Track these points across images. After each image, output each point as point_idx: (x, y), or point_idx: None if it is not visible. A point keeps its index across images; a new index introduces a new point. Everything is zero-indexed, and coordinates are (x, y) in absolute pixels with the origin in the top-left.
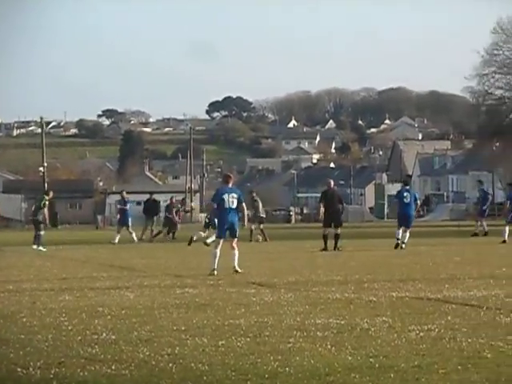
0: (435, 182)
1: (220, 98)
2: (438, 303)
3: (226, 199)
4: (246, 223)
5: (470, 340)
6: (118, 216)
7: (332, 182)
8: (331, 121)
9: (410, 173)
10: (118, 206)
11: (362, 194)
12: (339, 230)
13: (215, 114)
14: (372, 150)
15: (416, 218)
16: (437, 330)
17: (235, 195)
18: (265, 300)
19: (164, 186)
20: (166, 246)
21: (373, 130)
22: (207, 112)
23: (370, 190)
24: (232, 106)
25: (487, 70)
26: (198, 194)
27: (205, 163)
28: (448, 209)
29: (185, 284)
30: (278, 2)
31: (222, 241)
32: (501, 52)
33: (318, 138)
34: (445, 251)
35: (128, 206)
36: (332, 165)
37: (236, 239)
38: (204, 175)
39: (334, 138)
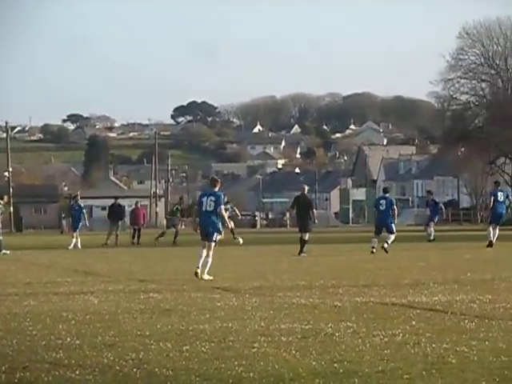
0: (400, 186)
1: (185, 103)
2: (402, 308)
3: (204, 202)
4: (228, 226)
5: (434, 345)
6: (70, 220)
7: (306, 188)
8: (296, 126)
9: (375, 177)
10: (72, 212)
11: (327, 199)
12: (307, 236)
13: (180, 119)
14: (337, 155)
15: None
16: (401, 335)
17: (213, 198)
18: (229, 305)
19: (129, 191)
20: (130, 251)
21: (338, 135)
22: (172, 117)
23: (335, 194)
24: (197, 110)
25: (452, 74)
26: (162, 199)
27: (170, 168)
28: (413, 214)
29: (149, 289)
30: (242, 7)
31: (204, 243)
32: (466, 57)
33: (283, 143)
34: (409, 256)
35: (81, 211)
36: (297, 170)
37: (212, 244)
38: (169, 180)
39: (299, 143)
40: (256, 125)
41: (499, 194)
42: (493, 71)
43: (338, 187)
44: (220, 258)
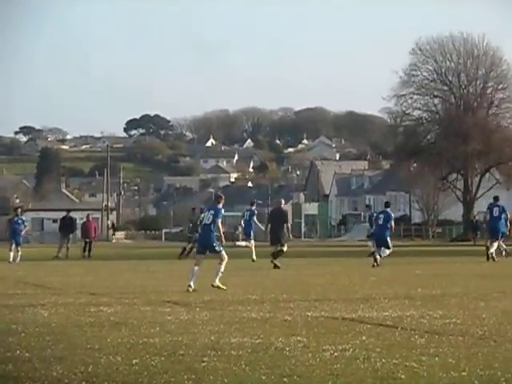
0: (352, 201)
1: (138, 116)
2: (352, 323)
3: (205, 216)
4: (222, 240)
5: (384, 360)
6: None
7: (283, 202)
8: (249, 140)
9: (327, 192)
10: (14, 225)
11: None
12: (285, 248)
13: (133, 132)
14: (289, 170)
15: (332, 238)
16: (351, 349)
17: (213, 212)
18: (180, 319)
19: (80, 204)
20: (81, 264)
21: (290, 149)
22: (125, 130)
23: (287, 209)
24: (150, 123)
25: (405, 90)
26: (114, 212)
27: (122, 181)
28: (365, 229)
29: (100, 302)
30: (197, 19)
31: (201, 256)
32: (419, 73)
33: (236, 157)
34: (361, 271)
35: (23, 224)
36: (250, 184)
37: (219, 254)
38: (121, 193)
39: (252, 157)
40: (209, 138)
41: (494, 209)
42: (445, 87)
43: (291, 202)
44: (171, 271)
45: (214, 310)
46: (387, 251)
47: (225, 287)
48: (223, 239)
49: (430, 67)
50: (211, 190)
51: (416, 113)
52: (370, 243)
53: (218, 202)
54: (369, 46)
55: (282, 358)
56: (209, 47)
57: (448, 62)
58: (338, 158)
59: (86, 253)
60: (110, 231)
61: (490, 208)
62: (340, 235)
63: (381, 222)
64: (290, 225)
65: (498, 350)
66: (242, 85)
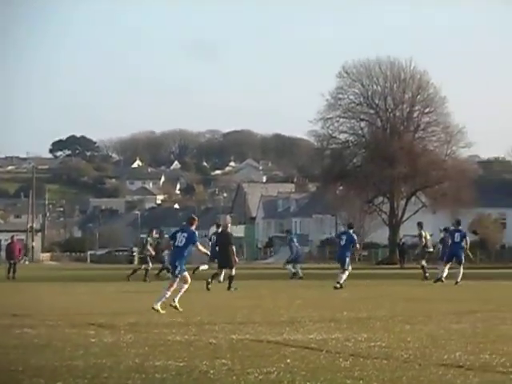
0: (279, 224)
1: (64, 137)
2: (277, 346)
3: (177, 237)
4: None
5: (308, 383)
6: None
7: (228, 224)
8: (176, 162)
9: (254, 215)
10: None
11: (205, 236)
12: (233, 272)
13: (59, 153)
14: (216, 192)
15: (259, 260)
16: (276, 372)
17: (185, 234)
18: (104, 341)
19: (5, 225)
20: (5, 286)
21: (217, 171)
22: (51, 151)
23: (213, 231)
24: (76, 145)
25: (332, 113)
26: (39, 234)
27: (47, 202)
28: (300, 249)
29: (23, 324)
30: (122, 43)
31: (175, 280)
32: (346, 96)
33: (162, 179)
34: (287, 293)
35: None
36: (176, 206)
37: (182, 276)
38: (46, 214)
39: (179, 179)
40: (135, 160)
41: (456, 234)
42: (372, 111)
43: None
44: (97, 293)
45: (138, 332)
46: (344, 276)
47: (181, 309)
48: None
49: (357, 90)
50: (137, 211)
51: (342, 136)
52: (288, 266)
53: (191, 224)
54: (296, 69)
55: (206, 381)
56: (135, 70)
57: (375, 86)
58: (264, 181)
59: (11, 274)
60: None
61: (452, 233)
62: (266, 258)
63: (343, 242)
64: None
65: (423, 373)
66: (170, 107)
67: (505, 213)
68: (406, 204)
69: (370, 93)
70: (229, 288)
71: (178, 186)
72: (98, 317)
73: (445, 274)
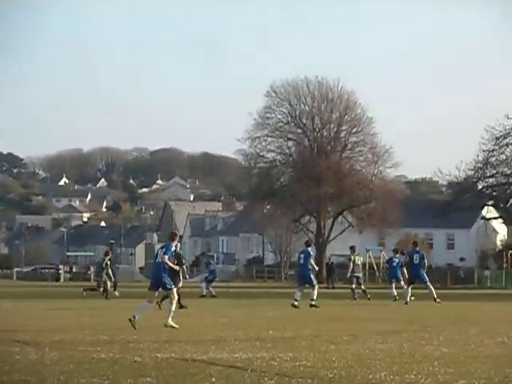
0: (206, 242)
1: None
2: (203, 365)
3: (159, 254)
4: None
5: None
6: None
7: (179, 245)
8: (103, 179)
9: (181, 233)
10: None
11: (132, 254)
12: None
13: None
14: (143, 210)
15: (187, 279)
16: None
17: (164, 249)
18: (29, 358)
19: None
20: None
21: (144, 189)
22: None
23: (140, 249)
24: (2, 162)
25: (259, 133)
26: None
27: None
28: (217, 270)
29: None
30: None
31: (153, 293)
32: (273, 115)
33: (89, 196)
34: (213, 312)
35: None
36: (103, 223)
37: (170, 291)
38: None
39: (106, 197)
40: (62, 177)
41: (415, 255)
42: (299, 130)
43: (144, 242)
44: (22, 310)
45: (63, 350)
46: (315, 292)
47: (177, 326)
48: (182, 275)
49: (285, 110)
50: (63, 229)
51: (270, 155)
52: (203, 285)
53: (172, 240)
54: (224, 88)
55: None
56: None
57: (302, 105)
58: (192, 199)
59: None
60: None
61: (411, 255)
62: (193, 276)
63: (302, 261)
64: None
65: None
66: (96, 124)
67: (432, 233)
68: (332, 223)
69: (297, 112)
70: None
71: (105, 204)
72: (23, 334)
73: (408, 297)
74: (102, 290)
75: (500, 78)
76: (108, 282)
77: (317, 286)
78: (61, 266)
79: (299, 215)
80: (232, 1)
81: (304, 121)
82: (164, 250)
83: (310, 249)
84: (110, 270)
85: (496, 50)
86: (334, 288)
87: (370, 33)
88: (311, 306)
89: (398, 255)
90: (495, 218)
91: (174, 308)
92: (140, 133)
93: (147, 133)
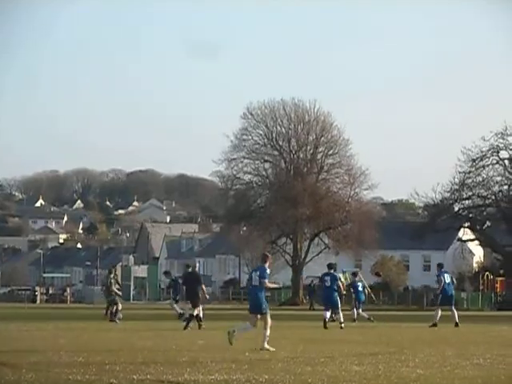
0: (182, 264)
1: None
2: None
3: (252, 277)
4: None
5: None
6: None
7: (197, 265)
8: (79, 201)
9: (157, 255)
10: None
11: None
12: (195, 311)
13: None
14: (120, 232)
15: (162, 301)
16: None
17: (258, 272)
18: (5, 379)
19: None
20: None
21: (121, 211)
22: None
23: (116, 271)
24: None
25: (236, 154)
26: None
27: None
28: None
29: None
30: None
31: (255, 316)
32: (250, 137)
33: (65, 218)
34: (189, 334)
35: None
36: (79, 245)
37: (264, 316)
38: None
39: (82, 219)
40: (38, 199)
41: (446, 275)
42: (276, 152)
43: (120, 264)
44: None
45: (40, 371)
46: (341, 314)
47: (273, 349)
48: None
49: (261, 132)
50: (39, 250)
51: (247, 177)
52: (175, 306)
53: (265, 262)
54: (200, 109)
55: None
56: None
57: (279, 127)
58: (168, 221)
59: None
60: None
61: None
62: (169, 298)
63: (328, 284)
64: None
65: None
66: (72, 146)
67: (408, 255)
68: (308, 245)
69: (274, 134)
70: (186, 327)
71: (81, 226)
72: (0, 355)
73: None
74: (114, 309)
75: (478, 101)
76: (118, 302)
77: (341, 312)
78: (37, 288)
79: (276, 237)
80: (211, 21)
81: (280, 143)
82: (258, 272)
83: (332, 271)
84: (115, 287)
85: (480, 72)
86: (313, 310)
87: (346, 55)
88: (341, 328)
89: (357, 278)
90: (471, 240)
91: (268, 333)
92: (116, 154)
93: (123, 154)
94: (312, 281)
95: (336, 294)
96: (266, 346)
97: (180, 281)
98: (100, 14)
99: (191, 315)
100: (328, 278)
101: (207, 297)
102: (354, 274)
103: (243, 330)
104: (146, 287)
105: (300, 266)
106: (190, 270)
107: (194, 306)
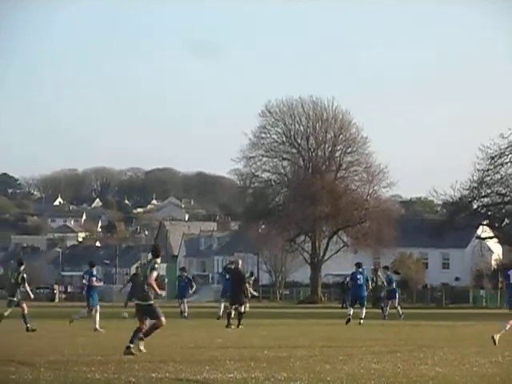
0: (201, 262)
1: None
2: None
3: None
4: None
5: None
6: None
7: (240, 262)
8: (98, 199)
9: (176, 253)
10: None
11: (127, 274)
12: (243, 309)
13: None
14: (138, 230)
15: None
16: None
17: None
18: (24, 378)
19: None
20: None
21: (139, 209)
22: None
23: (135, 269)
24: None
25: (254, 152)
26: None
27: None
28: (213, 290)
29: None
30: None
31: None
32: (268, 135)
33: (84, 217)
34: (208, 332)
35: None
36: (98, 243)
37: None
38: None
39: (101, 217)
40: (57, 197)
41: (359, 276)
42: (294, 150)
43: (139, 262)
44: (17, 331)
45: (58, 370)
46: (364, 311)
47: None
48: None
49: (280, 130)
50: (58, 249)
51: (265, 175)
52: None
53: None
54: (219, 108)
55: None
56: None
57: (297, 125)
58: (187, 219)
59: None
60: None
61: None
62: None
63: (360, 281)
64: (248, 284)
65: None
66: (91, 144)
67: (427, 253)
68: (327, 243)
69: (292, 132)
70: (238, 325)
71: (100, 224)
72: (19, 354)
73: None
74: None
75: (497, 98)
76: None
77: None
78: (56, 286)
79: (294, 235)
80: (225, 21)
81: (299, 141)
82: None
83: (361, 269)
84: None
85: (497, 70)
86: (345, 308)
87: (364, 53)
88: (360, 323)
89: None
90: (490, 238)
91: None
92: (135, 153)
93: (142, 153)
94: (346, 279)
95: (366, 291)
96: None
97: (227, 276)
98: (100, 13)
99: (240, 312)
100: (360, 277)
101: (249, 295)
102: (387, 268)
103: None
104: (165, 285)
105: (319, 264)
106: (233, 266)
107: (241, 304)
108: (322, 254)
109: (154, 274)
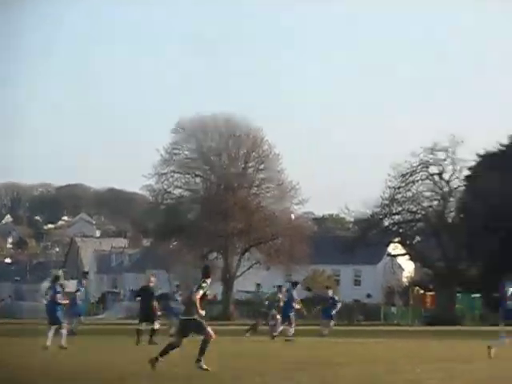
0: (112, 279)
1: None
2: None
3: None
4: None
5: None
6: None
7: (153, 279)
8: (8, 215)
9: (87, 269)
10: None
11: (37, 291)
12: (156, 325)
13: None
14: (49, 246)
15: (92, 316)
16: None
17: None
18: None
19: None
20: None
21: (50, 225)
22: None
23: (46, 286)
24: None
25: (166, 169)
26: None
27: None
28: (124, 307)
29: None
30: None
31: None
32: (181, 151)
33: None
34: (120, 349)
35: None
36: (8, 260)
37: None
38: None
39: (11, 233)
40: None
41: (293, 292)
42: (207, 166)
43: (49, 279)
44: None
45: None
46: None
47: None
48: None
49: (192, 146)
50: None
51: (177, 191)
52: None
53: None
54: (130, 124)
55: None
56: None
57: (210, 142)
58: (98, 235)
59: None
60: None
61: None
62: (99, 313)
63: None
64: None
65: None
66: (1, 159)
67: (339, 269)
68: (239, 260)
69: (205, 149)
70: (150, 342)
71: (10, 240)
72: None
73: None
74: None
75: (405, 118)
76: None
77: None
78: None
79: (207, 251)
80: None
81: (211, 157)
82: None
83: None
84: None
85: (412, 90)
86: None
87: (278, 70)
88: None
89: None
90: (401, 255)
91: None
92: (46, 168)
93: (53, 169)
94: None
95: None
96: None
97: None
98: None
99: (153, 329)
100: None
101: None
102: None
103: None
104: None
105: (231, 280)
106: (143, 285)
107: (153, 322)
108: (234, 271)
109: (200, 292)
